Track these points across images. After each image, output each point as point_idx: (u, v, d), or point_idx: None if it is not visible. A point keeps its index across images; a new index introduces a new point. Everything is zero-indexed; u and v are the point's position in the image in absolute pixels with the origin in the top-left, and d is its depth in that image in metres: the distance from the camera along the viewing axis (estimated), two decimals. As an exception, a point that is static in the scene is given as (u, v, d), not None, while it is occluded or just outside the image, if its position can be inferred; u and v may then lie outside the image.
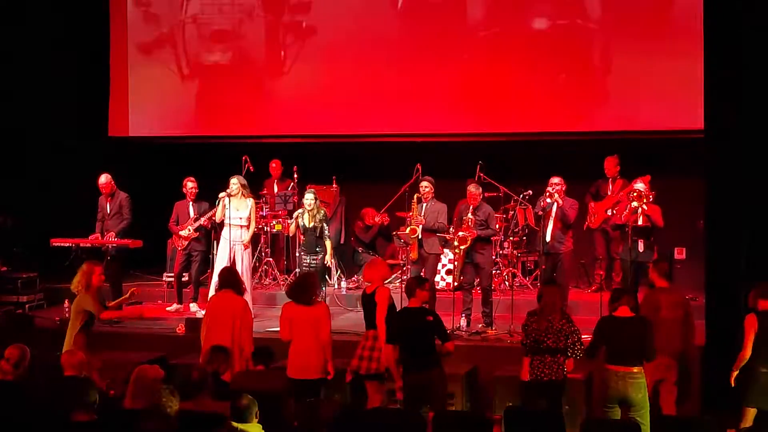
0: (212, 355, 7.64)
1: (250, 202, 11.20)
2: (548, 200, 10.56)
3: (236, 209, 11.07)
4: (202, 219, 11.58)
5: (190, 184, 11.79)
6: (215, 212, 11.23)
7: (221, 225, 11.27)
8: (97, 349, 9.91)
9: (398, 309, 8.52)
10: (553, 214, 10.56)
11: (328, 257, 11.31)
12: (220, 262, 11.04)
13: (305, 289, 8.43)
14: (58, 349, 8.28)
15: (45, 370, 7.94)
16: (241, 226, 11.10)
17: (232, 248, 11.02)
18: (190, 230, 11.60)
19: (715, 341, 9.08)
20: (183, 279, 11.99)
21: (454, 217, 11.08)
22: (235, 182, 11.13)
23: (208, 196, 11.85)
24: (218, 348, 7.72)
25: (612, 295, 7.93)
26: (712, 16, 9.47)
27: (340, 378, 8.77)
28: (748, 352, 7.91)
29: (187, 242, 11.66)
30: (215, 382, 7.19)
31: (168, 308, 11.88)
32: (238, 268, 10.92)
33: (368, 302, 8.54)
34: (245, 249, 11.08)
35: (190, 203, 11.75)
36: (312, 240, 11.11)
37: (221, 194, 11.08)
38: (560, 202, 10.52)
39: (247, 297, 10.91)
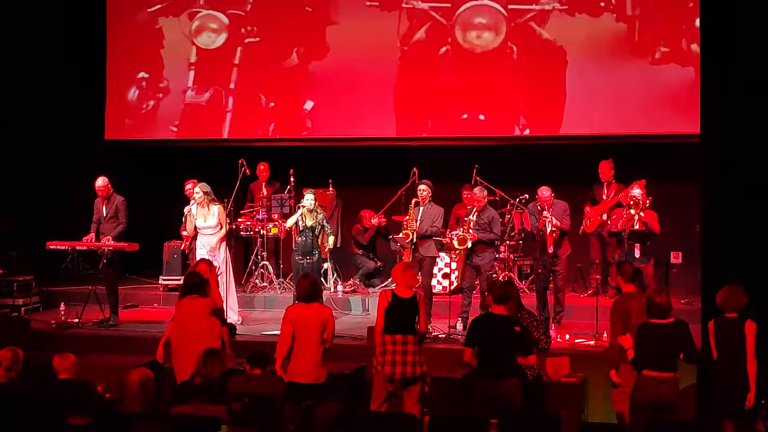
0: (207, 359, 7.61)
1: (216, 208, 11.11)
2: (547, 226, 10.50)
3: (203, 218, 11.03)
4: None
5: (189, 186, 11.78)
6: (184, 225, 11.21)
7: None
8: (95, 352, 9.96)
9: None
10: (548, 231, 10.53)
11: (330, 241, 11.41)
12: None
13: (302, 288, 8.38)
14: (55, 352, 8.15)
15: (40, 374, 7.92)
16: (211, 234, 11.05)
17: (209, 254, 10.99)
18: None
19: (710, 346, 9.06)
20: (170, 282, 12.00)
21: (450, 221, 11.06)
22: (197, 191, 11.05)
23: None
24: (211, 351, 7.70)
25: (647, 302, 7.84)
26: (710, 20, 9.48)
27: (338, 382, 8.77)
28: None
29: (190, 244, 11.65)
30: (214, 386, 7.19)
31: None
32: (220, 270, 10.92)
33: (405, 307, 8.28)
34: (216, 250, 10.98)
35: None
36: (307, 242, 11.09)
37: (186, 208, 11.07)
38: (558, 222, 10.48)
39: (232, 297, 10.94)
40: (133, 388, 6.88)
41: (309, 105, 13.44)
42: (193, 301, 8.38)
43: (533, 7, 12.68)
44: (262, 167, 13.26)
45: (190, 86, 13.84)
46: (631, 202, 10.28)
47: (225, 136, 13.76)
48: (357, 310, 12.14)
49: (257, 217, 12.71)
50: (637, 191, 10.43)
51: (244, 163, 12.47)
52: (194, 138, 13.86)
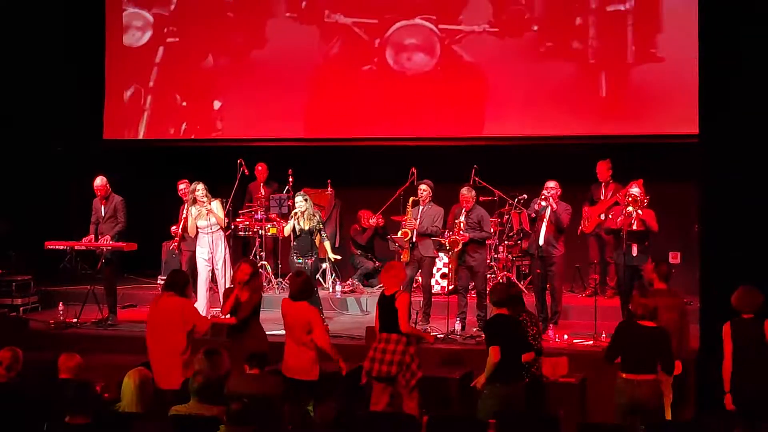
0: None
1: (215, 204, 11.15)
2: (542, 203, 10.58)
3: (205, 217, 11.03)
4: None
5: (181, 186, 11.78)
6: (185, 225, 11.19)
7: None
8: (94, 351, 9.95)
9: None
10: (547, 217, 10.56)
11: (330, 255, 11.46)
12: (202, 269, 11.03)
13: (293, 285, 8.50)
14: (58, 352, 8.12)
15: (39, 373, 7.93)
16: (212, 232, 11.05)
17: (210, 253, 10.97)
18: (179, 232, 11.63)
19: (709, 345, 9.08)
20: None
21: (448, 222, 11.07)
22: (200, 188, 11.03)
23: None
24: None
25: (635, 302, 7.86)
26: (708, 20, 9.49)
27: (335, 381, 8.78)
28: None
29: (179, 243, 11.65)
30: (214, 386, 7.18)
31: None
32: (218, 269, 10.89)
33: (387, 305, 8.38)
34: (216, 248, 11.02)
35: (185, 205, 11.75)
36: (305, 243, 11.07)
37: (198, 207, 11.05)
38: (554, 206, 10.52)
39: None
40: (132, 388, 6.90)
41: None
42: (169, 298, 8.37)
43: (463, 27, 12.76)
44: (260, 168, 13.27)
45: (188, 86, 13.86)
46: (630, 200, 10.28)
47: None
48: (355, 310, 12.14)
49: (256, 217, 12.71)
50: (635, 189, 10.43)
51: (243, 163, 12.47)
52: (194, 138, 13.85)
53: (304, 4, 13.32)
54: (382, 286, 8.74)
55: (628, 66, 12.33)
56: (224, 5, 13.63)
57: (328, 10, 13.19)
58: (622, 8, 12.30)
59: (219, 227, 11.09)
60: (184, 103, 13.84)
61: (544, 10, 12.62)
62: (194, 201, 11.03)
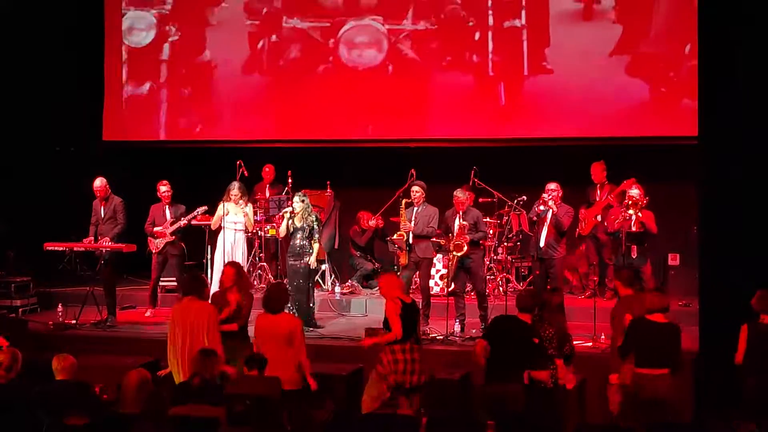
0: (205, 359, 7.58)
1: (249, 208, 11.27)
2: (542, 207, 10.58)
3: (234, 214, 11.11)
4: (182, 221, 11.56)
5: (163, 188, 11.74)
6: (212, 218, 11.23)
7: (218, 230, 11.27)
8: (92, 352, 9.94)
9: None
10: (548, 220, 10.57)
11: (312, 258, 11.00)
12: (218, 267, 11.01)
13: (270, 299, 8.29)
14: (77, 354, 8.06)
15: (39, 375, 7.92)
16: (236, 230, 11.08)
17: (230, 252, 10.98)
18: (167, 233, 11.61)
19: (709, 347, 9.09)
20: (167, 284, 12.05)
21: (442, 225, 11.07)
22: (237, 187, 11.22)
23: (202, 200, 11.84)
24: (208, 351, 7.68)
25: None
26: (707, 22, 9.50)
27: (335, 383, 8.76)
28: None
29: (162, 245, 11.61)
30: (212, 387, 7.18)
31: (146, 314, 11.81)
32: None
33: (410, 312, 8.28)
34: (236, 247, 11.06)
35: (166, 206, 11.71)
36: (300, 243, 10.99)
37: (234, 205, 11.09)
38: (555, 209, 10.53)
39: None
40: (131, 389, 6.90)
41: (305, 106, 13.45)
42: (191, 302, 8.37)
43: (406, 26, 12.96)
44: (267, 169, 13.30)
45: (187, 87, 13.88)
46: (630, 202, 10.28)
47: (223, 137, 13.76)
48: (354, 311, 12.11)
49: (255, 218, 12.69)
50: (635, 191, 10.43)
51: (242, 164, 12.46)
52: (193, 139, 13.85)
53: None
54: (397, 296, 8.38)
55: (628, 68, 12.35)
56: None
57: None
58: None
59: (244, 227, 11.20)
60: (180, 119, 13.90)
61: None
62: (229, 199, 11.09)
